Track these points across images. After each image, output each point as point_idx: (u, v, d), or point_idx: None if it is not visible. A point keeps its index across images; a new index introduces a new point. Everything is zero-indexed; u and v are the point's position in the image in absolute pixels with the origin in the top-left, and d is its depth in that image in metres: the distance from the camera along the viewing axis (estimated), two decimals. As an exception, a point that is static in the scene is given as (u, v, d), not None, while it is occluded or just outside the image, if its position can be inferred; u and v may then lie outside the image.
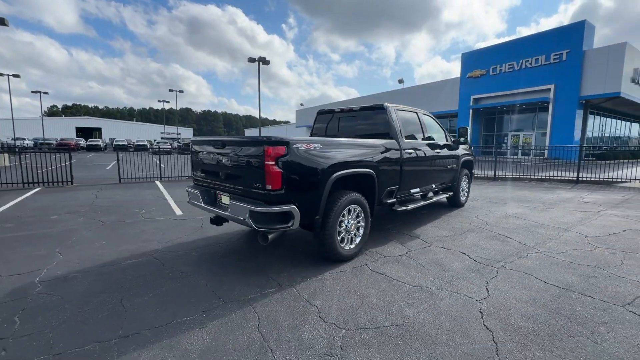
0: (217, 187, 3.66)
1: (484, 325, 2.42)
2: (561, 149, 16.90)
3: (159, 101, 53.08)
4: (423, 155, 4.93)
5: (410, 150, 4.59)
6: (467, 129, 6.60)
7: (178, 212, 6.14)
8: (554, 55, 21.60)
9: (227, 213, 3.32)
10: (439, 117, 32.23)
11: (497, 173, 11.96)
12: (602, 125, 26.14)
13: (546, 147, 19.61)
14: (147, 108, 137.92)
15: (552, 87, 21.88)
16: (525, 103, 23.94)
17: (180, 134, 61.48)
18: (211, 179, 3.74)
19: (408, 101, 33.03)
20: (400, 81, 36.99)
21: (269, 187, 2.90)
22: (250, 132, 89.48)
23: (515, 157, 22.48)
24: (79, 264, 3.57)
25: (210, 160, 3.68)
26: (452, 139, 6.32)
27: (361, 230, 3.82)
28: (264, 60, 25.01)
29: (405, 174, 4.50)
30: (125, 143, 43.22)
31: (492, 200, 7.53)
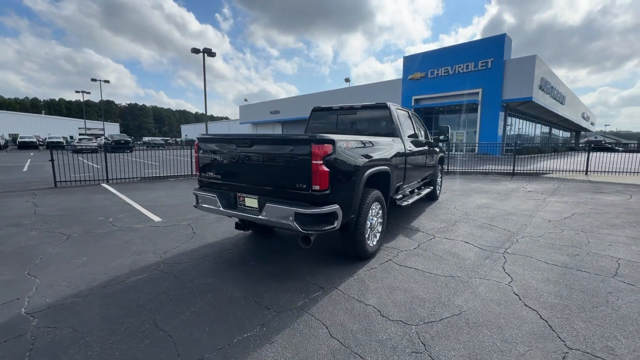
0: (239, 189, 3.37)
1: (526, 306, 2.68)
2: (490, 146, 19.36)
3: (77, 92, 45.91)
4: (418, 152, 5.21)
5: (410, 147, 4.81)
6: (448, 127, 6.90)
7: (155, 218, 5.47)
8: (481, 62, 24.55)
9: (260, 217, 3.08)
10: (384, 115, 34.24)
11: (446, 168, 13.12)
12: (511, 125, 30.61)
13: (476, 144, 22.24)
14: (57, 99, 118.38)
15: (480, 90, 24.85)
16: (458, 104, 26.79)
17: (103, 129, 54.24)
18: (231, 181, 3.43)
19: (354, 100, 34.34)
20: (347, 80, 38.21)
21: (316, 187, 2.78)
22: (186, 129, 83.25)
23: (450, 152, 25.05)
24: (70, 287, 2.96)
25: (230, 159, 3.37)
26: (432, 137, 6.77)
27: (380, 227, 3.89)
28: (209, 52, 23.39)
29: (407, 170, 4.72)
30: (34, 140, 36.66)
31: (457, 193, 8.29)
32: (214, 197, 3.45)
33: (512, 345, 2.17)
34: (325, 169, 2.76)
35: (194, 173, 10.94)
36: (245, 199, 3.31)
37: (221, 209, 3.41)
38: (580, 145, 36.23)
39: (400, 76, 30.45)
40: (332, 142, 2.82)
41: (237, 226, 3.86)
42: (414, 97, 29.11)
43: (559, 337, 2.25)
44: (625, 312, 2.58)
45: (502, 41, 23.63)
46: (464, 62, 25.40)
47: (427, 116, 30.90)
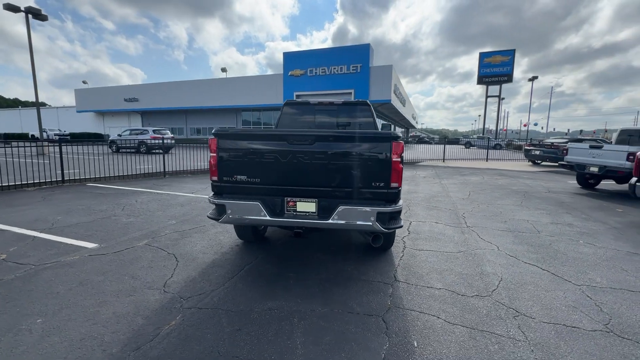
0: (289, 193, 2.90)
1: (522, 261, 3.55)
2: None
3: None
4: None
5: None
6: (391, 125, 7.49)
7: (85, 244, 3.88)
8: (352, 66, 27.97)
9: (329, 221, 2.76)
10: (267, 109, 34.03)
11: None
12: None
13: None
14: None
15: (352, 91, 28.30)
16: (334, 102, 29.71)
17: None
18: (278, 184, 2.91)
19: (232, 92, 32.80)
20: (224, 70, 35.77)
21: (395, 184, 2.76)
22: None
23: None
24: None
25: (279, 159, 2.84)
26: None
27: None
28: (36, 13, 17.23)
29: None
30: None
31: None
32: (257, 204, 2.85)
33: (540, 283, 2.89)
34: (402, 166, 2.78)
35: (70, 178, 8.08)
36: (297, 203, 2.89)
37: (268, 217, 2.85)
38: (409, 139, 46.93)
39: (269, 71, 31.01)
40: (403, 140, 2.86)
41: (297, 234, 3.28)
42: (295, 93, 30.29)
43: (542, 269, 3.15)
44: (559, 247, 3.82)
45: (367, 50, 27.62)
46: (339, 65, 28.30)
47: (306, 112, 32.86)
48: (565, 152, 9.85)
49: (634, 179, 5.31)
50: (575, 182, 9.13)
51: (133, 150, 17.13)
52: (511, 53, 48.16)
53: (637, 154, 5.38)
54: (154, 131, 19.54)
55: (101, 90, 40.49)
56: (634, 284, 3.06)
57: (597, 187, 8.79)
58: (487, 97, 51.23)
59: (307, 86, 29.58)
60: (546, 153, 15.13)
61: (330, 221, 2.77)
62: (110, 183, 8.33)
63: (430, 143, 39.59)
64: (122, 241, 3.99)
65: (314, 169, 2.82)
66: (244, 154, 2.91)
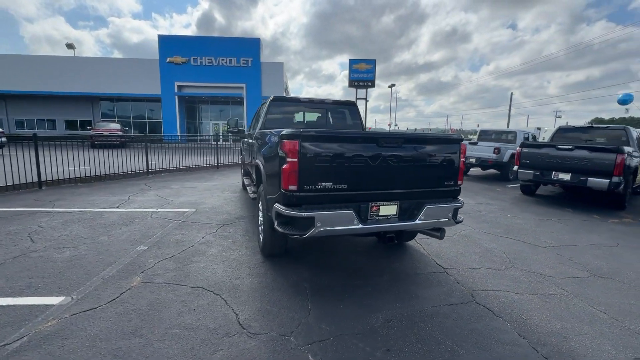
0: (374, 198, 2.72)
1: (502, 237, 4.53)
2: None
3: None
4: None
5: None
6: (237, 120, 6.75)
7: (35, 300, 2.50)
8: (243, 60, 26.80)
9: (415, 221, 2.76)
10: (142, 100, 28.82)
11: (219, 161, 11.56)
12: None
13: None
14: None
15: (244, 85, 27.18)
16: (225, 96, 27.83)
17: None
18: (367, 189, 2.68)
19: (91, 76, 26.08)
20: (71, 46, 27.46)
21: (460, 182, 3.03)
22: None
23: (218, 143, 26.04)
24: None
25: (368, 162, 2.62)
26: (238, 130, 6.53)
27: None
28: None
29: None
30: None
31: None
32: (351, 212, 2.55)
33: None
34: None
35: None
36: (380, 207, 2.77)
37: (360, 226, 2.61)
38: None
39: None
40: None
41: (386, 241, 3.11)
42: (176, 83, 26.73)
43: (515, 239, 4.22)
44: (503, 221, 5.08)
45: (258, 44, 27.01)
46: (227, 56, 26.55)
47: (190, 105, 29.53)
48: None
49: (515, 167, 7.40)
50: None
51: None
52: (373, 62, 56.30)
53: (517, 149, 7.52)
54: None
55: None
56: (577, 241, 4.41)
57: (468, 173, 11.67)
58: (357, 99, 58.67)
59: (191, 76, 26.63)
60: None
61: (417, 222, 2.81)
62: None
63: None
64: (100, 284, 2.81)
65: (400, 171, 2.78)
66: (331, 158, 2.57)
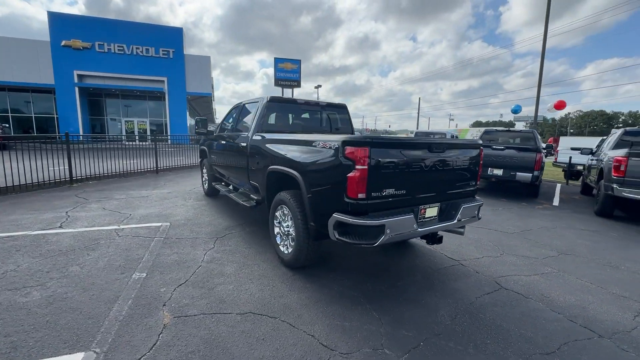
0: (422, 201, 2.79)
1: (490, 230, 5.18)
2: (182, 137, 20.43)
3: None
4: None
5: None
6: (205, 119, 6.40)
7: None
8: (163, 50, 23.99)
9: (454, 221, 2.94)
10: (25, 90, 23.30)
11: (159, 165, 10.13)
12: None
13: (168, 136, 22.37)
14: None
15: (165, 79, 24.37)
16: (141, 90, 24.49)
17: None
18: (416, 193, 2.73)
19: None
20: None
21: (478, 182, 3.35)
22: None
23: (134, 143, 22.98)
24: None
25: (420, 168, 2.67)
26: (207, 131, 6.19)
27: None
28: None
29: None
30: None
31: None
32: (412, 217, 2.56)
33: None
34: (478, 167, 3.41)
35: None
36: (427, 210, 2.87)
37: (418, 229, 2.66)
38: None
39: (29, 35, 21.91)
40: None
41: (438, 241, 3.26)
42: (76, 72, 22.40)
43: (501, 231, 4.96)
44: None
45: (180, 34, 24.52)
46: (144, 45, 23.40)
47: (94, 99, 25.12)
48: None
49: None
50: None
51: None
52: (298, 62, 56.83)
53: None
54: None
55: None
56: (529, 226, 5.31)
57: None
58: (282, 98, 58.50)
59: (96, 65, 22.76)
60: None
61: (455, 221, 3.01)
62: None
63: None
64: (120, 328, 2.22)
65: (442, 174, 2.94)
66: (394, 164, 2.55)
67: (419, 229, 2.73)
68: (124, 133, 25.47)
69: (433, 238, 3.19)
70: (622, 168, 5.46)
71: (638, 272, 3.63)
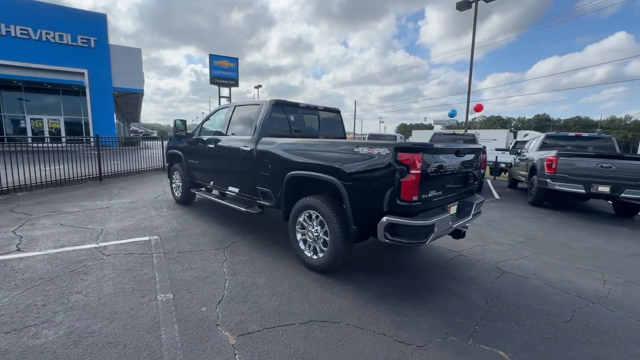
0: (449, 200, 3.08)
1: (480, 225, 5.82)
2: (109, 140, 18.41)
3: None
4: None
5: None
6: (184, 121, 5.79)
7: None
8: (82, 38, 20.78)
9: (470, 217, 3.30)
10: None
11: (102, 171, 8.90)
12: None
13: (91, 137, 19.67)
14: None
15: (85, 72, 21.14)
16: (53, 83, 20.84)
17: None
18: (447, 194, 3.02)
19: None
20: None
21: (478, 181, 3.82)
22: None
23: (42, 144, 19.65)
24: None
25: (454, 171, 3.00)
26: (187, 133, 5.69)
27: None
28: None
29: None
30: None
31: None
32: (449, 215, 2.82)
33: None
34: (476, 169, 3.88)
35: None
36: (451, 208, 3.17)
37: (452, 226, 2.95)
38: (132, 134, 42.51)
39: None
40: None
41: (462, 235, 3.56)
42: (-39, 57, 18.02)
43: (493, 228, 5.69)
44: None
45: (104, 21, 21.52)
46: (57, 30, 19.93)
47: (-14, 91, 20.56)
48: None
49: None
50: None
51: None
52: (235, 60, 54.67)
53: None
54: None
55: None
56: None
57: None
58: (220, 97, 55.69)
59: (-9, 50, 18.65)
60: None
61: (470, 217, 3.39)
62: None
63: (158, 139, 38.43)
64: (177, 356, 2.01)
65: (463, 175, 3.28)
66: (437, 168, 2.79)
67: (453, 226, 3.03)
68: (29, 134, 21.41)
69: (458, 233, 3.54)
70: (554, 166, 6.70)
71: (585, 249, 4.56)
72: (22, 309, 2.47)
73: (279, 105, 4.29)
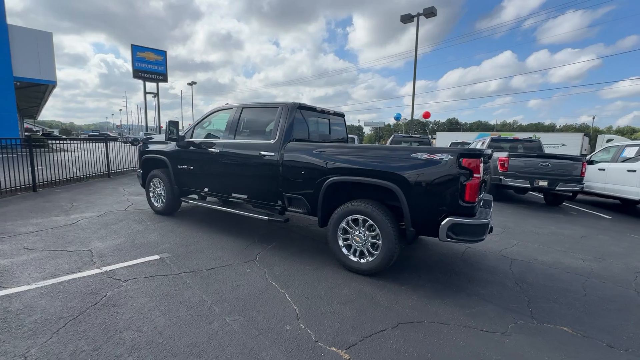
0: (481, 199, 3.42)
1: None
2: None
3: None
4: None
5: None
6: (177, 122, 5.43)
7: None
8: (-33, 14, 16.65)
9: (490, 212, 3.72)
10: None
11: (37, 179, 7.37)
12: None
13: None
14: None
15: (-27, 56, 16.99)
16: None
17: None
18: (481, 193, 3.33)
19: None
20: None
21: (484, 181, 4.31)
22: None
23: None
24: None
25: (485, 172, 3.33)
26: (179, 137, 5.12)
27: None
28: None
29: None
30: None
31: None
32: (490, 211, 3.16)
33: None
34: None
35: None
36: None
37: (491, 222, 3.30)
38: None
39: None
40: None
41: (490, 231, 3.49)
42: None
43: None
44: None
45: (-1, -3, 17.60)
46: None
47: None
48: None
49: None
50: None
51: None
52: (163, 54, 49.98)
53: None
54: None
55: None
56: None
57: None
58: (145, 93, 50.10)
59: None
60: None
61: (491, 211, 3.82)
62: None
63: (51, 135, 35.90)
64: (314, 380, 1.88)
65: (486, 175, 3.69)
66: (484, 172, 3.08)
67: (491, 222, 3.40)
68: None
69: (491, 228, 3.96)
70: (506, 165, 7.86)
71: (549, 234, 5.49)
72: (69, 357, 1.98)
73: (300, 109, 4.18)
